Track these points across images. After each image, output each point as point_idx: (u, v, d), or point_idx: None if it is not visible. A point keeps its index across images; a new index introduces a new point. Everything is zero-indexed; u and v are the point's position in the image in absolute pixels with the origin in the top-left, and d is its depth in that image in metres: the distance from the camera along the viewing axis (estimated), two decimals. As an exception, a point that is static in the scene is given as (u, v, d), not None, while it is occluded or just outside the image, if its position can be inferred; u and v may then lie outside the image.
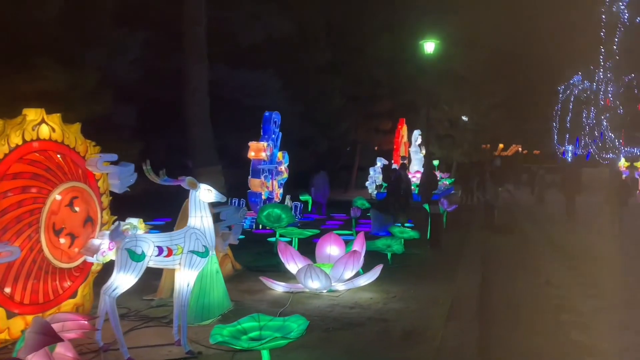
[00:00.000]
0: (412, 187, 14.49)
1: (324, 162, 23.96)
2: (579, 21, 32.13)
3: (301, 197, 16.00)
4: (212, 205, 6.14)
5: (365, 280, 6.44)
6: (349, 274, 6.33)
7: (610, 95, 26.39)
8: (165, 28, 13.06)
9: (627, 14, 23.36)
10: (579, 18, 32.15)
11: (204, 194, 4.40)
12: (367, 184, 22.32)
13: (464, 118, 33.32)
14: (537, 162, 39.40)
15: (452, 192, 24.11)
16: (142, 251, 4.04)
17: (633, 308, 6.18)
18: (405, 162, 17.28)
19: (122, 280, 4.05)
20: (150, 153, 14.28)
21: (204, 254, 4.32)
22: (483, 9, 29.06)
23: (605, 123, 27.49)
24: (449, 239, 10.78)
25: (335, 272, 6.18)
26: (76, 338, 3.88)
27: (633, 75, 23.52)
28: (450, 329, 4.95)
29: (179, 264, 4.24)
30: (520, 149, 55.24)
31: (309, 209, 16.15)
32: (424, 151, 23.72)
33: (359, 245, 6.59)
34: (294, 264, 6.45)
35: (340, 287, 6.39)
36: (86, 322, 3.71)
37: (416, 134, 24.36)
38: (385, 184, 13.50)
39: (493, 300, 6.40)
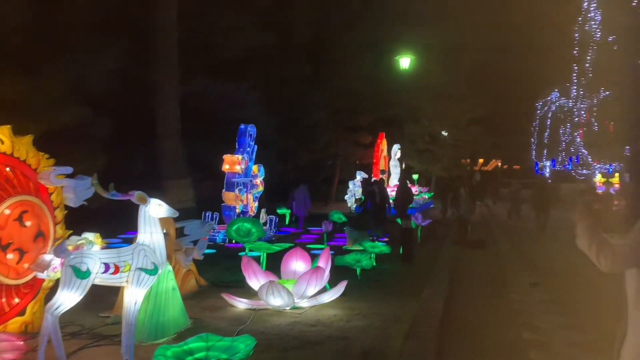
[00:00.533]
0: (391, 201, 14.48)
1: (305, 175, 23.93)
2: (556, 39, 32.88)
3: (278, 211, 15.88)
4: (176, 219, 6.02)
5: (329, 296, 6.35)
6: (312, 290, 6.23)
7: (583, 112, 27.01)
8: (139, 39, 12.96)
9: (599, 33, 23.98)
10: (556, 35, 32.89)
11: (154, 209, 4.29)
12: (346, 197, 22.32)
13: (444, 133, 33.63)
14: (517, 176, 39.93)
15: (431, 206, 24.23)
16: (88, 268, 3.91)
17: (597, 326, 6.16)
18: (383, 176, 17.32)
19: (66, 298, 3.91)
20: (125, 164, 14.04)
21: (152, 272, 4.20)
22: (463, 26, 29.58)
23: (578, 139, 28.09)
24: (422, 253, 10.77)
25: (297, 289, 6.08)
26: (14, 359, 3.74)
27: (608, 93, 24.05)
28: (409, 349, 4.89)
29: (127, 281, 4.12)
30: (499, 164, 55.95)
31: (286, 223, 16.03)
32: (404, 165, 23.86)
33: (324, 262, 6.50)
34: (256, 280, 6.34)
35: (304, 303, 6.28)
36: (21, 343, 3.57)
37: (395, 148, 24.55)
38: (364, 198, 13.52)
39: (456, 318, 6.36)
